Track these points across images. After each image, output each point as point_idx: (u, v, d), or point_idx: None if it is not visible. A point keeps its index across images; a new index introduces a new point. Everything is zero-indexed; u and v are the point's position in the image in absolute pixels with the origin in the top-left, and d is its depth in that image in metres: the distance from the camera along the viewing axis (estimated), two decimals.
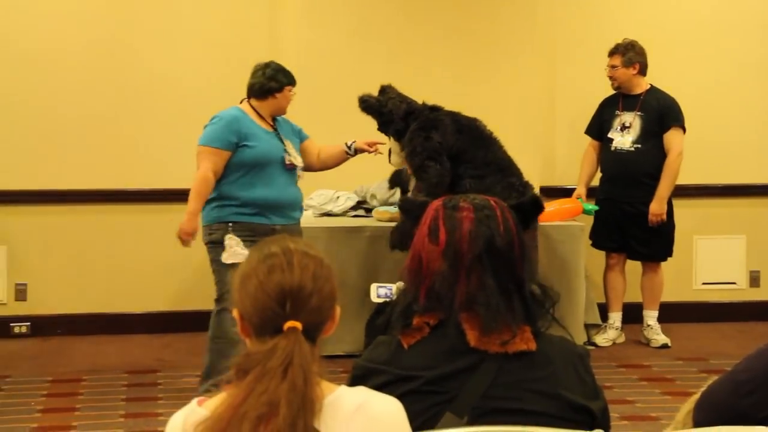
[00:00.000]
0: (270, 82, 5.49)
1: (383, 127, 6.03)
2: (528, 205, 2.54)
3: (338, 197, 6.68)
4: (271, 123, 5.54)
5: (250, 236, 5.29)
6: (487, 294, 2.25)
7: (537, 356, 2.26)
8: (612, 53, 6.61)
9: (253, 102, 5.54)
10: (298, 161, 5.53)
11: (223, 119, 5.42)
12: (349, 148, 5.81)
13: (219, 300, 5.39)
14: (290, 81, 5.56)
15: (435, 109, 5.99)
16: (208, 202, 5.42)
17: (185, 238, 5.33)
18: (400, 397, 1.96)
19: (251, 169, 5.39)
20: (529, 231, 2.43)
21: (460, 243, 2.27)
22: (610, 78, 6.62)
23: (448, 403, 2.21)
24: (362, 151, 5.83)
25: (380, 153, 5.92)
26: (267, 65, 5.59)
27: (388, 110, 5.92)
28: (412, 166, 5.88)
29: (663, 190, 6.45)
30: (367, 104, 5.96)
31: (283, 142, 5.51)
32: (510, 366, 2.24)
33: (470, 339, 2.24)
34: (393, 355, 2.27)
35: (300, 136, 5.72)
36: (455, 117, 5.97)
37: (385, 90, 6.06)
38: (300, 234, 5.59)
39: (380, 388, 2.05)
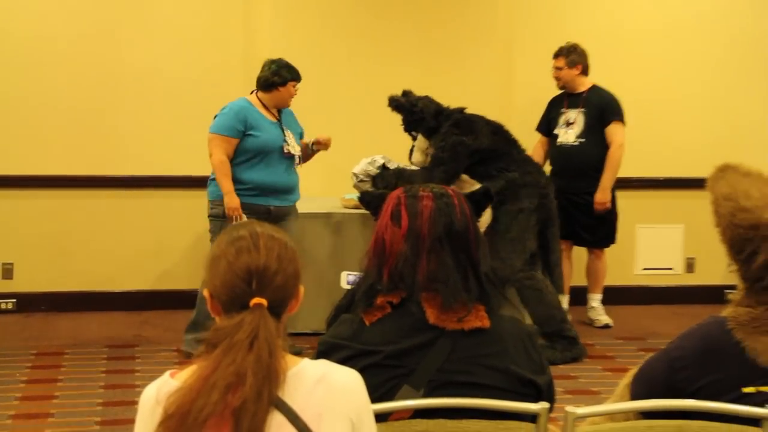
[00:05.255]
0: (274, 77, 5.64)
1: (411, 126, 6.11)
2: (479, 195, 2.57)
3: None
4: (275, 114, 5.68)
5: (247, 215, 5.48)
6: (446, 272, 2.27)
7: (489, 333, 2.27)
8: (556, 55, 6.64)
9: (260, 94, 5.69)
10: (296, 150, 5.68)
11: (232, 110, 5.58)
12: (309, 147, 5.87)
13: None
14: (294, 77, 5.69)
15: (461, 111, 6.05)
16: (213, 180, 5.61)
17: (235, 213, 5.48)
18: (361, 371, 1.96)
19: (255, 155, 5.56)
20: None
21: (421, 226, 2.29)
22: (556, 78, 6.65)
23: (406, 376, 2.23)
24: (318, 148, 5.86)
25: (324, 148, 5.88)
26: (273, 61, 5.73)
27: (419, 109, 5.98)
28: (434, 157, 5.93)
29: (606, 180, 6.49)
30: (398, 103, 6.02)
31: (284, 132, 5.65)
32: (464, 342, 2.25)
33: (429, 316, 2.25)
34: (355, 332, 2.28)
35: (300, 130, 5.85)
36: (486, 119, 6.03)
37: (407, 93, 6.12)
38: (295, 214, 5.81)
39: (343, 362, 2.05)
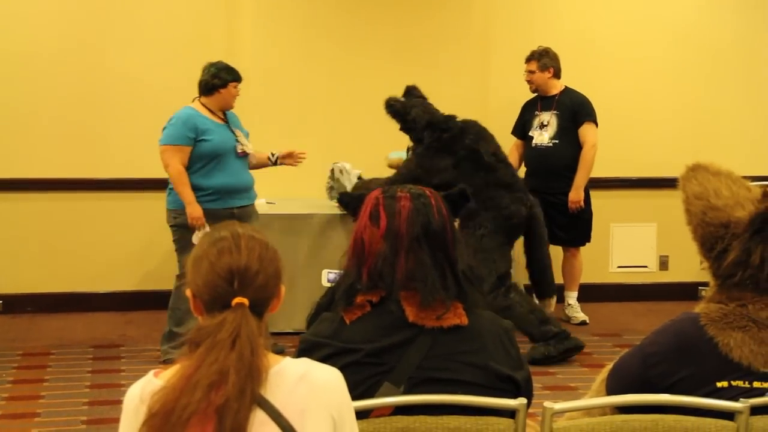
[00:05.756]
0: (214, 80, 5.55)
1: (404, 131, 6.03)
2: (456, 196, 2.57)
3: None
4: (221, 116, 5.60)
5: (211, 222, 5.35)
6: (424, 271, 2.27)
7: (468, 330, 2.28)
8: (528, 60, 6.64)
9: (203, 99, 5.60)
10: (249, 148, 5.62)
11: (180, 119, 5.48)
12: (272, 157, 5.80)
13: (179, 276, 5.53)
14: (234, 78, 5.58)
15: (451, 118, 5.91)
16: (173, 189, 5.50)
17: (199, 223, 5.38)
18: (342, 369, 1.96)
19: (210, 160, 5.47)
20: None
21: (399, 226, 2.29)
22: (528, 82, 6.64)
23: (386, 373, 2.22)
24: (283, 162, 5.81)
25: (301, 161, 5.83)
26: (213, 64, 5.63)
27: (411, 119, 5.90)
28: (390, 179, 5.85)
29: (579, 179, 6.50)
30: (393, 109, 5.92)
31: (233, 132, 5.58)
32: (443, 339, 2.25)
33: (409, 314, 2.25)
34: (336, 330, 2.28)
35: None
36: (455, 145, 5.83)
37: (410, 92, 6.03)
38: (256, 214, 5.74)
39: (324, 360, 2.05)
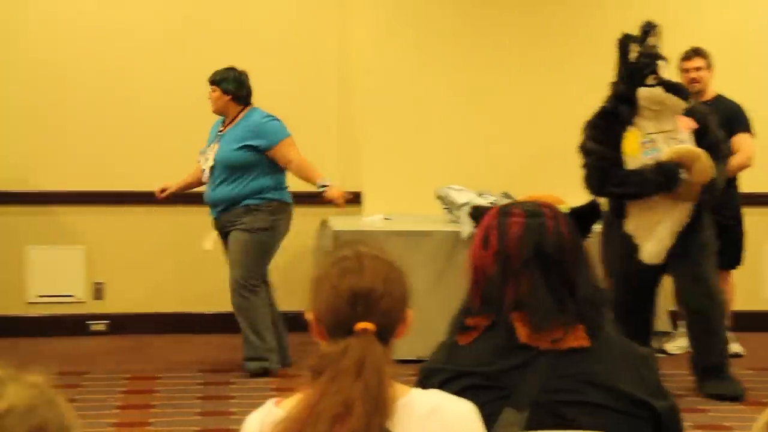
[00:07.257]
0: None
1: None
2: (587, 212, 2.54)
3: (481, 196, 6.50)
4: (226, 125, 5.92)
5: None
6: (536, 296, 2.26)
7: (592, 352, 2.25)
8: (691, 56, 6.35)
9: None
10: (206, 164, 5.91)
11: None
12: (321, 183, 5.92)
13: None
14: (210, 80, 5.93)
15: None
16: None
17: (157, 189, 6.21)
18: (459, 393, 1.97)
19: None
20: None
21: (508, 247, 2.30)
22: (693, 81, 6.30)
23: (506, 398, 2.21)
24: (330, 200, 5.95)
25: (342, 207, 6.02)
26: None
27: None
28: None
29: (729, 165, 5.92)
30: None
31: (213, 144, 5.90)
32: (565, 360, 2.24)
33: (520, 335, 2.25)
34: (450, 355, 2.30)
35: (260, 137, 5.84)
36: None
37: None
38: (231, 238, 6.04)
39: (441, 385, 2.08)
